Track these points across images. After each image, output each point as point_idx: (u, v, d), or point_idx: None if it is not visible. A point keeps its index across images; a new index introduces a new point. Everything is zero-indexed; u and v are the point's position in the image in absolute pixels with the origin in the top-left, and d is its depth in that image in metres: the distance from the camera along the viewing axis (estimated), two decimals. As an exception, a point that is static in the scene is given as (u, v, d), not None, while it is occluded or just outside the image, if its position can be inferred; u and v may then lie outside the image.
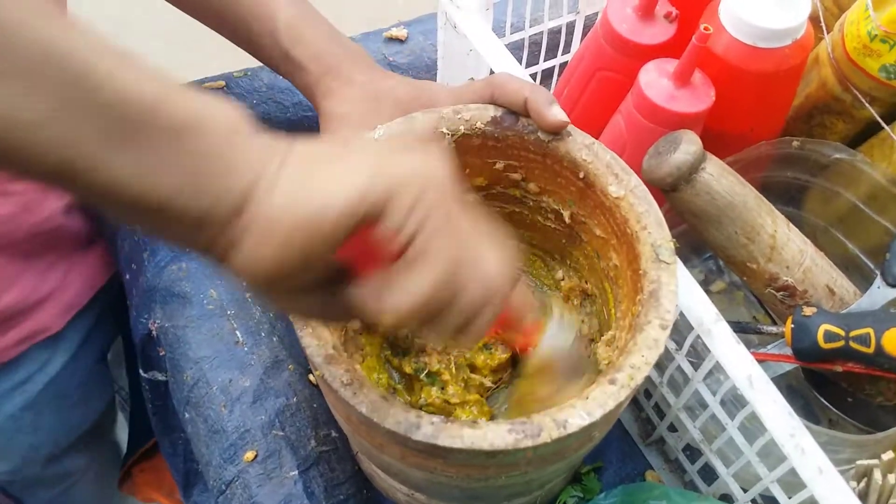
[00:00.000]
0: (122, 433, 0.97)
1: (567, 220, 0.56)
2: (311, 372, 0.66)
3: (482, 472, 0.45)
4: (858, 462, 0.50)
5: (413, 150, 0.36)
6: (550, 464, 0.46)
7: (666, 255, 0.46)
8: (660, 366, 0.58)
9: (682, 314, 0.52)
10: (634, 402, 0.66)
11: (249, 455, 0.59)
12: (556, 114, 0.51)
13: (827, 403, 0.63)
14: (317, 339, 0.43)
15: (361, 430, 0.45)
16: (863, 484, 0.50)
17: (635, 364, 0.43)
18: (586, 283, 0.59)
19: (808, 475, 0.45)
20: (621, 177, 0.49)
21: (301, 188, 0.33)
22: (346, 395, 0.41)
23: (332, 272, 0.36)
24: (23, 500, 0.84)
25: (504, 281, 0.37)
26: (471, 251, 0.35)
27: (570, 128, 0.52)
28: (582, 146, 0.51)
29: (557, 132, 0.51)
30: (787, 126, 0.69)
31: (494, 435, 0.40)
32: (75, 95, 0.29)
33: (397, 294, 0.34)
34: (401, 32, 0.85)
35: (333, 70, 0.61)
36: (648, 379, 0.59)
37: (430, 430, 0.40)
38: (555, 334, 0.53)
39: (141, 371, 0.73)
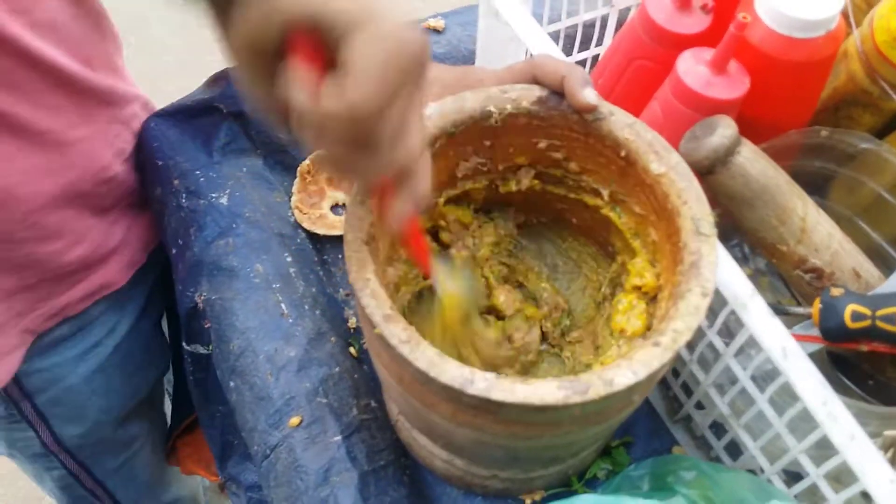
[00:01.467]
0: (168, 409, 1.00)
1: (606, 198, 0.58)
2: (351, 345, 0.69)
3: (528, 430, 0.47)
4: (886, 433, 0.52)
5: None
6: (592, 424, 0.48)
7: (706, 227, 0.48)
8: (689, 344, 0.61)
9: (716, 291, 0.54)
10: (662, 381, 0.68)
11: (295, 420, 0.62)
12: (588, 95, 0.53)
13: (851, 384, 0.65)
14: (375, 300, 0.46)
15: (415, 387, 0.47)
16: (889, 453, 0.52)
17: (678, 329, 0.45)
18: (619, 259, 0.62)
19: (840, 441, 0.47)
20: (662, 154, 0.52)
21: None
22: (404, 351, 0.44)
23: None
24: (90, 467, 0.87)
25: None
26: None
27: (613, 108, 0.54)
28: (624, 125, 0.53)
29: (587, 112, 0.54)
30: (815, 119, 0.71)
31: (545, 391, 0.42)
32: None
33: (331, 93, 0.36)
34: (438, 23, 0.87)
35: None
36: (678, 357, 0.61)
37: (483, 385, 0.43)
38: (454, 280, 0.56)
39: (184, 344, 0.75)
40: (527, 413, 0.44)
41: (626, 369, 0.43)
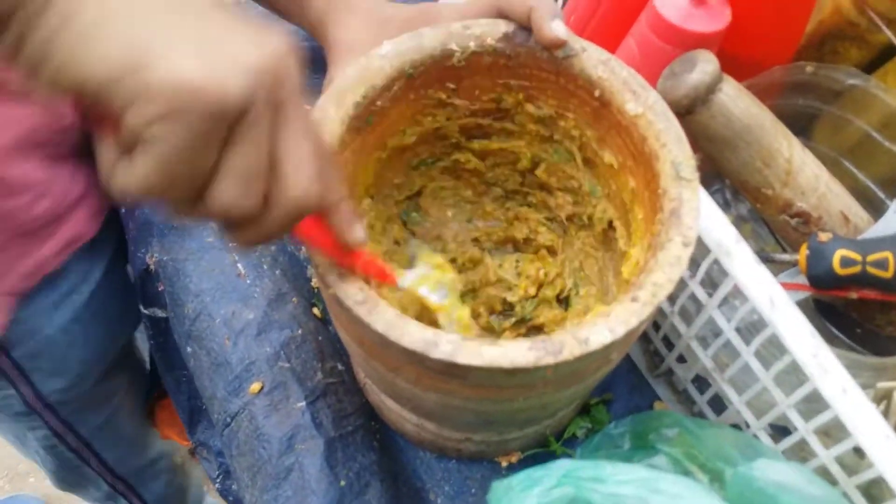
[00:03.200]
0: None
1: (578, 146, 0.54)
2: (314, 305, 0.65)
3: (499, 394, 0.43)
4: (879, 384, 0.49)
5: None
6: (567, 386, 0.45)
7: (687, 171, 0.45)
8: (670, 296, 0.58)
9: (698, 239, 0.50)
10: (643, 335, 0.65)
11: (255, 387, 0.58)
12: (555, 28, 0.48)
13: (838, 333, 0.63)
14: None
15: (375, 351, 0.43)
16: (882, 406, 0.50)
17: (658, 281, 0.41)
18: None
19: (831, 394, 0.45)
20: (639, 93, 0.48)
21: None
22: (360, 313, 0.40)
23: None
24: (75, 425, 0.85)
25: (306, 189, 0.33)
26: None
27: (585, 43, 0.50)
28: (598, 62, 0.49)
29: (556, 48, 0.49)
30: (799, 55, 0.68)
31: (515, 352, 0.39)
32: None
33: (122, 171, 0.31)
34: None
35: (338, 1, 0.61)
36: (659, 310, 0.58)
37: (448, 348, 0.39)
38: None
39: (141, 307, 0.71)
40: (496, 376, 0.40)
41: (602, 327, 0.40)
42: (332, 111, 0.47)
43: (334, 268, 0.41)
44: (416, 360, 0.41)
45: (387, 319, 0.40)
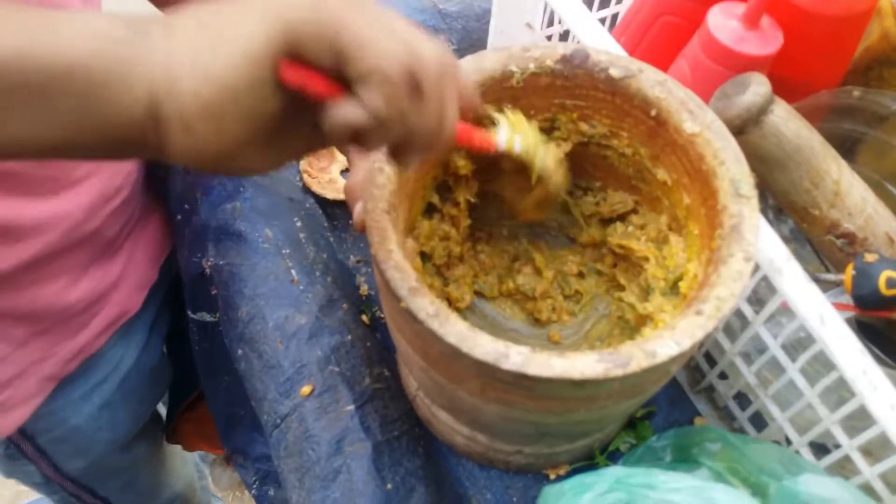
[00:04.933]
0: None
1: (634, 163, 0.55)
2: (363, 312, 0.67)
3: (563, 406, 0.44)
4: (924, 403, 0.50)
5: None
6: (629, 398, 0.46)
7: (746, 189, 0.46)
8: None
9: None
10: (684, 351, 0.66)
11: (306, 389, 0.60)
12: None
13: (882, 354, 0.63)
14: (399, 273, 0.43)
15: (442, 362, 0.44)
16: (927, 425, 0.50)
17: (721, 296, 0.42)
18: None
19: (880, 412, 0.45)
20: (696, 113, 0.49)
21: (198, 54, 0.31)
22: (433, 326, 0.41)
23: (295, 105, 0.34)
24: (93, 488, 0.84)
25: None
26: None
27: (642, 64, 0.51)
28: (655, 83, 0.51)
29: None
30: (846, 80, 0.69)
31: (584, 364, 0.40)
32: None
33: (339, 112, 0.33)
34: (451, -21, 0.84)
35: None
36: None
37: (519, 359, 0.40)
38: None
39: (189, 312, 0.73)
40: (563, 388, 0.41)
41: (668, 339, 0.41)
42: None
43: (405, 282, 0.43)
44: (485, 372, 0.42)
45: (459, 332, 0.41)
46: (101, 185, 0.64)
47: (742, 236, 0.44)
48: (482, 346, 0.40)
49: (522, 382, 0.41)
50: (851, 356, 0.46)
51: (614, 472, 0.44)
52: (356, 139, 0.35)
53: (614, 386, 0.41)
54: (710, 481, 0.55)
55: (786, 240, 0.72)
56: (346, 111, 0.33)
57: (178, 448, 1.03)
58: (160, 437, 0.95)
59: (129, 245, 0.71)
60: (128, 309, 0.72)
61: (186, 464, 1.11)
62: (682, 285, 0.51)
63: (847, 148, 0.68)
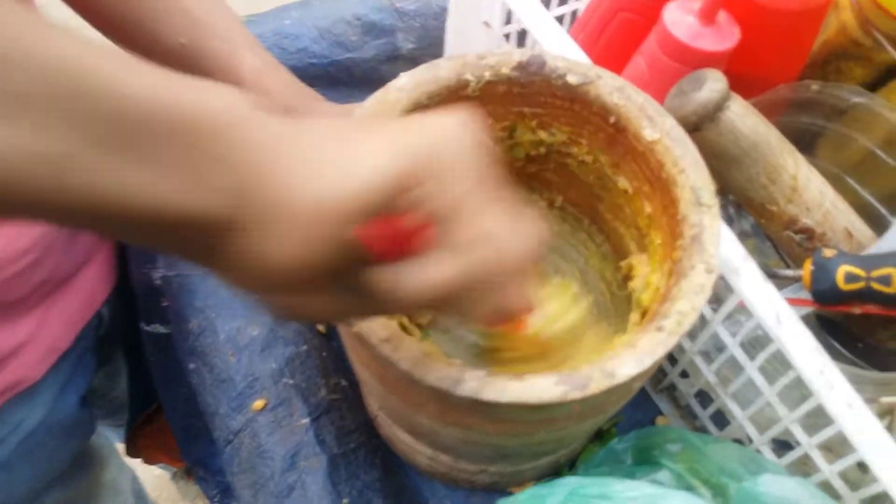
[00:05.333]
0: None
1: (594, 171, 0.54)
2: (319, 321, 0.65)
3: (522, 428, 0.43)
4: (883, 399, 0.49)
5: (430, 117, 0.32)
6: (590, 418, 0.44)
7: (706, 197, 0.44)
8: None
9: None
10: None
11: (259, 403, 0.58)
12: None
13: (841, 348, 0.63)
14: None
15: (399, 388, 0.43)
16: (886, 421, 0.49)
17: (683, 310, 0.41)
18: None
19: (837, 410, 0.45)
20: (655, 119, 0.48)
21: (316, 169, 0.29)
22: (385, 351, 0.39)
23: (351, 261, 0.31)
24: None
25: (530, 257, 0.34)
26: (499, 224, 0.32)
27: (600, 70, 0.50)
28: (613, 89, 0.49)
29: None
30: (804, 74, 0.68)
31: (542, 388, 0.38)
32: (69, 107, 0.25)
33: (421, 275, 0.31)
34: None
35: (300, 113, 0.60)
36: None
37: (474, 384, 0.38)
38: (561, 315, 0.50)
39: (142, 324, 0.71)
40: (521, 412, 0.39)
41: (628, 358, 0.39)
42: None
43: None
44: (441, 398, 0.40)
45: (412, 357, 0.39)
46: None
47: (703, 247, 0.43)
48: (436, 371, 0.39)
49: (478, 408, 0.39)
50: (808, 355, 0.46)
51: (569, 482, 0.43)
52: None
53: (573, 408, 0.39)
54: (672, 483, 0.55)
55: (746, 235, 0.71)
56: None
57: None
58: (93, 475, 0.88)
59: (41, 310, 0.64)
60: (26, 378, 0.64)
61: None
62: (644, 298, 0.49)
63: (806, 142, 0.68)
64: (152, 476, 1.45)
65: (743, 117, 0.53)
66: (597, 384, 0.39)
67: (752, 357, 0.52)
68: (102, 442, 0.88)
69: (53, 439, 0.71)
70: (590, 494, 0.42)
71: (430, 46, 0.78)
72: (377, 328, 0.40)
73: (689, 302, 0.41)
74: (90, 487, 0.86)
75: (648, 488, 0.42)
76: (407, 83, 0.49)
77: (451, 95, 0.50)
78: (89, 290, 0.71)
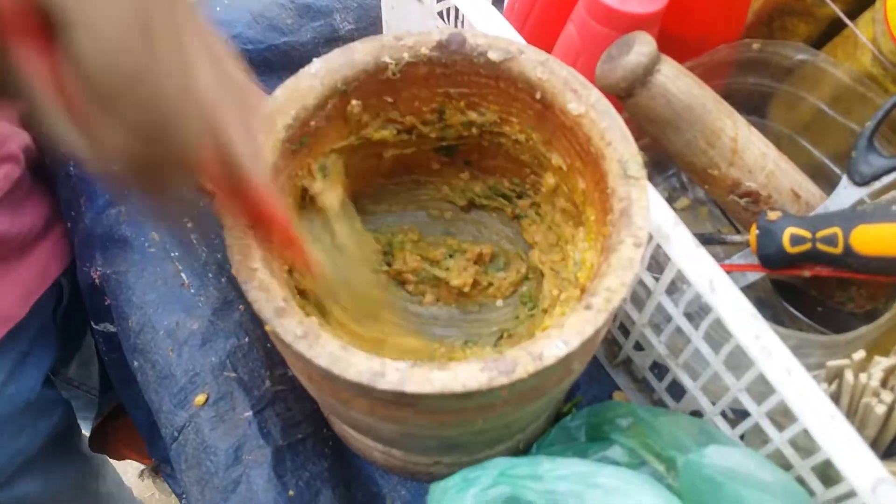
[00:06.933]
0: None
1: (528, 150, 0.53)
2: (263, 312, 0.64)
3: (456, 418, 0.42)
4: (829, 363, 0.48)
5: None
6: (529, 402, 0.43)
7: (634, 169, 0.43)
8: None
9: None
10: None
11: (200, 398, 0.57)
12: None
13: (797, 313, 0.61)
14: (264, 293, 0.40)
15: (324, 385, 0.41)
16: (834, 386, 0.48)
17: (611, 286, 0.40)
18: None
19: (776, 378, 0.43)
20: (580, 92, 0.46)
21: None
22: (301, 349, 0.38)
23: None
24: None
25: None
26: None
27: (522, 45, 0.48)
28: (536, 63, 0.47)
29: None
30: (747, 32, 0.67)
31: (466, 375, 0.37)
32: None
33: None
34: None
35: None
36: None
37: (395, 376, 0.37)
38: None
39: (92, 323, 0.70)
40: (449, 401, 0.38)
41: (556, 339, 0.38)
42: (262, 137, 0.44)
43: (270, 303, 0.39)
44: (365, 393, 0.39)
45: (329, 353, 0.38)
46: None
47: (631, 220, 0.41)
48: (355, 365, 0.37)
49: (405, 400, 0.38)
50: (744, 322, 0.44)
51: (499, 463, 0.41)
52: None
53: (502, 394, 0.38)
54: (625, 459, 0.54)
55: (700, 202, 0.70)
56: None
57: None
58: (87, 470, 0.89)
59: None
60: None
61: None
62: (581, 276, 0.48)
63: (756, 104, 0.66)
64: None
65: (675, 80, 0.52)
66: (524, 368, 0.37)
67: (696, 326, 0.51)
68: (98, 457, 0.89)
69: (17, 414, 0.70)
70: (519, 475, 0.40)
71: (370, 27, 0.76)
72: (292, 325, 0.39)
73: (617, 278, 0.40)
74: (78, 460, 0.87)
75: (580, 466, 0.41)
76: (320, 69, 0.47)
77: (370, 79, 0.49)
78: (43, 262, 0.71)
